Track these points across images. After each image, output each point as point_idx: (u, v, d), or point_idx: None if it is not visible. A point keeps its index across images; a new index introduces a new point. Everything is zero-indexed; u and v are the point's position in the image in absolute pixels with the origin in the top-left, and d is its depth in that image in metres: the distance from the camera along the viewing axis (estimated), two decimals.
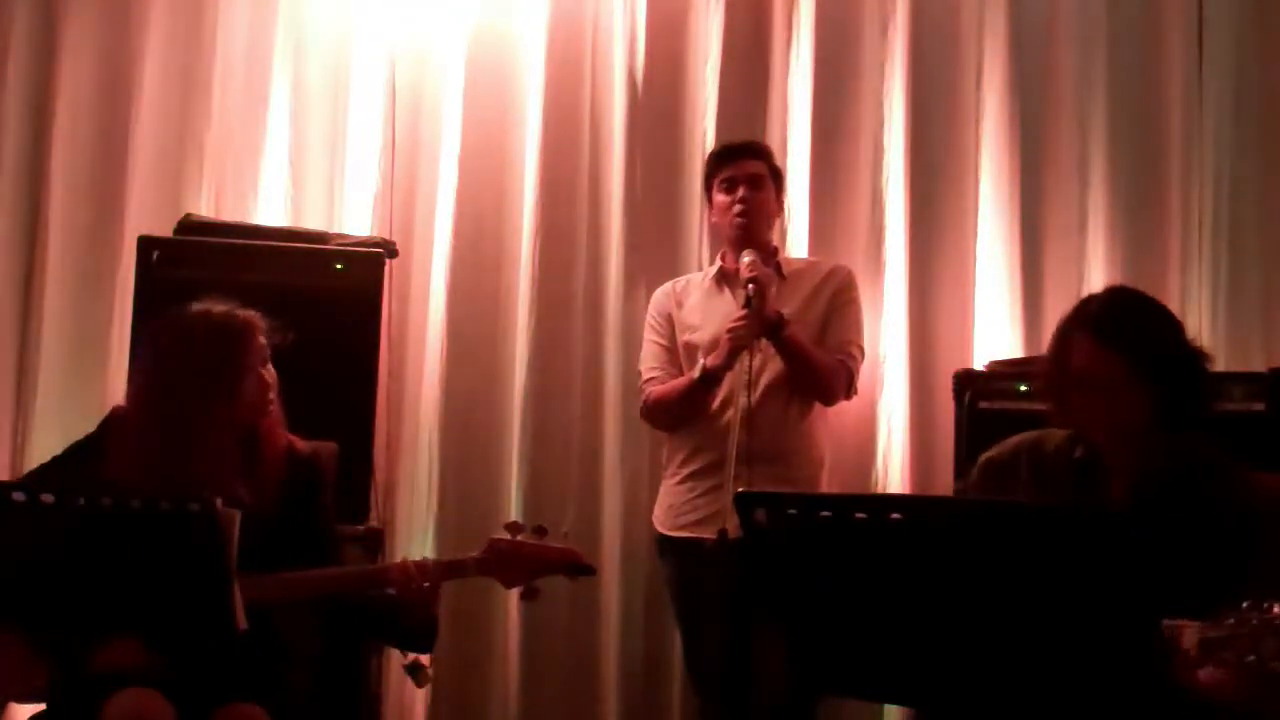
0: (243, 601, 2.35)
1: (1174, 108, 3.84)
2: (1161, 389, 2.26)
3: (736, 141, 3.55)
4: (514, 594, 3.78)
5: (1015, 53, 3.88)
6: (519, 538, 2.65)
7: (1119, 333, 2.29)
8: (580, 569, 2.70)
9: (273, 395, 2.71)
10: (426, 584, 2.62)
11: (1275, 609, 1.74)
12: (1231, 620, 1.78)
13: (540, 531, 2.68)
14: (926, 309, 3.88)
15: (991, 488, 2.40)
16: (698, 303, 3.44)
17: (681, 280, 3.56)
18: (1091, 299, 2.42)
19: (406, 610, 2.65)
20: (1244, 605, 1.77)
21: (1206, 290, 3.76)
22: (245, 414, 2.67)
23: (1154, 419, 2.28)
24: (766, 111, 3.98)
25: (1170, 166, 3.83)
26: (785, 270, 3.41)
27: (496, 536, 2.67)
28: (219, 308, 2.71)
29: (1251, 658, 1.73)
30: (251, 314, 2.70)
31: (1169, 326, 2.34)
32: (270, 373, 2.71)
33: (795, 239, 3.89)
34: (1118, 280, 3.69)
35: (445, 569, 2.66)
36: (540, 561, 2.66)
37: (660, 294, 3.54)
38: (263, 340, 2.69)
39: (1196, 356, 2.32)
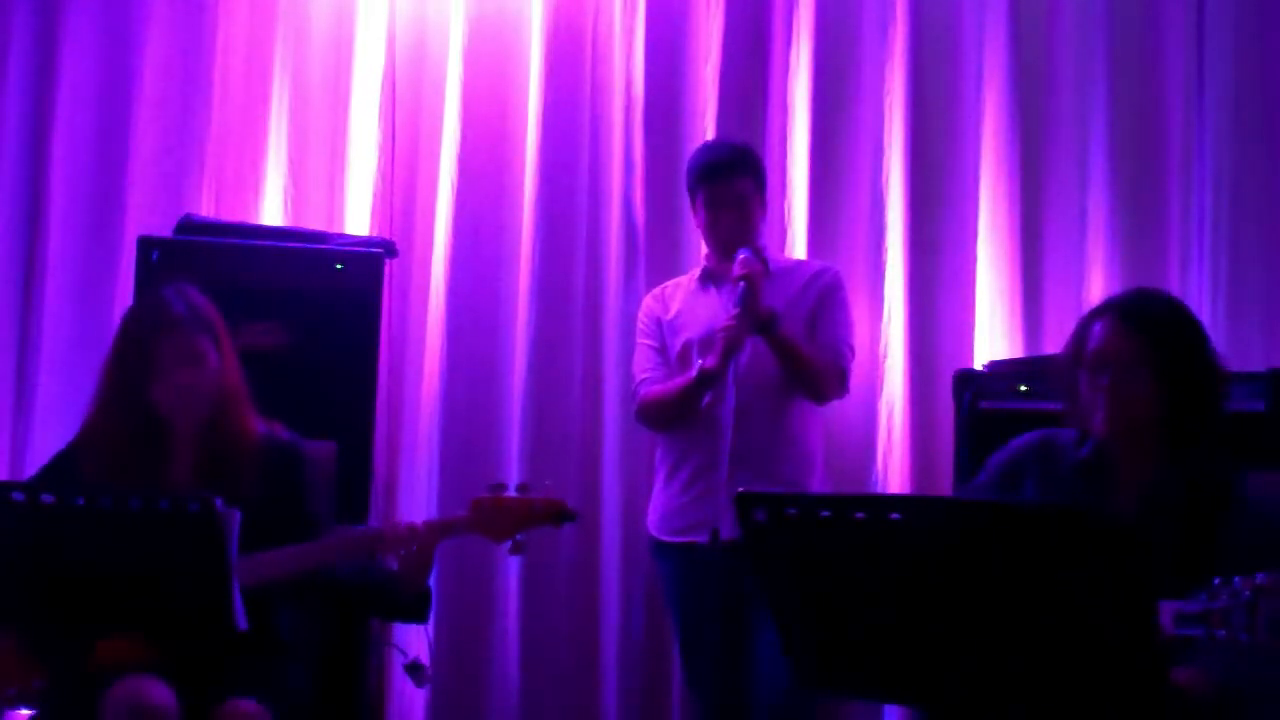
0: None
1: (1174, 108, 3.83)
2: (1174, 389, 2.26)
3: (719, 153, 3.42)
4: (513, 595, 3.85)
5: (1015, 53, 3.87)
6: (501, 495, 2.68)
7: (1143, 320, 2.29)
8: (564, 515, 2.72)
9: (218, 387, 2.68)
10: (416, 547, 2.63)
11: (1244, 585, 1.77)
12: (1202, 598, 1.81)
13: (524, 488, 2.71)
14: (926, 309, 3.87)
15: (999, 487, 2.40)
16: (684, 304, 3.43)
17: (670, 285, 3.54)
18: (1124, 291, 2.43)
19: (400, 580, 2.67)
20: (1215, 583, 1.81)
21: (1206, 290, 3.75)
22: (168, 409, 2.67)
23: (1161, 419, 2.27)
24: (766, 111, 3.98)
25: (1170, 166, 3.82)
26: (772, 268, 3.38)
27: (479, 496, 2.69)
28: (149, 301, 2.71)
29: (1221, 633, 1.77)
30: (172, 311, 2.65)
31: (1196, 335, 2.33)
32: (215, 365, 2.68)
33: (795, 239, 3.89)
34: (1118, 280, 3.70)
35: (436, 529, 2.68)
36: (524, 514, 2.69)
37: (649, 300, 3.54)
38: (188, 335, 2.65)
39: (1217, 373, 2.32)
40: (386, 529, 2.71)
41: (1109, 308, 2.35)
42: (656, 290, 3.56)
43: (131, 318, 2.75)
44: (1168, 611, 1.85)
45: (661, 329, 3.43)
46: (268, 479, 2.68)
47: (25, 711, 2.62)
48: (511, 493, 2.70)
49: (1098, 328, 2.32)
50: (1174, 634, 1.84)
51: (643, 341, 3.47)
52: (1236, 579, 1.79)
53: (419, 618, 2.81)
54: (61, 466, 2.75)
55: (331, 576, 2.69)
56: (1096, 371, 2.29)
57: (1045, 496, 2.33)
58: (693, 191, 3.42)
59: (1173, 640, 1.85)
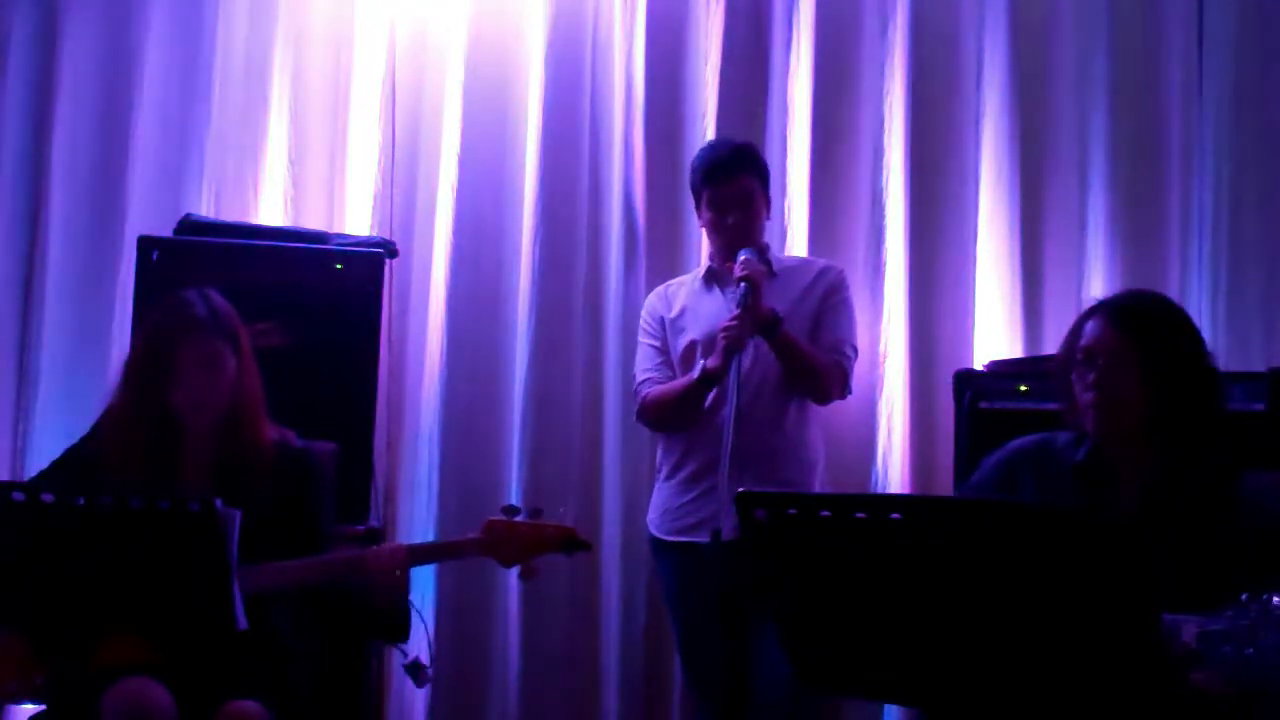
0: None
1: (1174, 108, 3.83)
2: (1162, 388, 2.26)
3: (724, 152, 3.41)
4: (514, 595, 3.85)
5: (1015, 53, 3.87)
6: (515, 519, 2.68)
7: (1131, 318, 2.30)
8: (576, 545, 2.72)
9: (235, 392, 2.69)
10: (398, 570, 2.63)
11: (1273, 601, 1.75)
12: (1230, 614, 1.79)
13: (536, 513, 2.71)
14: (926, 309, 3.88)
15: (996, 489, 2.40)
16: (688, 303, 3.43)
17: (674, 283, 3.54)
18: (1120, 292, 2.44)
19: (377, 597, 2.66)
20: (1242, 599, 1.79)
21: (1206, 290, 3.75)
22: (185, 412, 2.68)
23: (1154, 419, 2.27)
24: (766, 111, 3.98)
25: (1170, 166, 3.83)
26: (776, 268, 3.39)
27: (493, 518, 2.69)
28: (172, 303, 2.71)
29: (1250, 650, 1.75)
30: (195, 314, 2.66)
31: (1186, 335, 2.33)
32: (234, 370, 2.69)
33: (795, 239, 3.89)
34: (1118, 280, 3.70)
35: (434, 551, 2.67)
36: (537, 540, 2.69)
37: (652, 297, 3.54)
38: (209, 339, 2.66)
39: (1209, 374, 2.32)
40: (370, 553, 2.68)
41: (1100, 306, 2.36)
42: (660, 288, 3.55)
43: (153, 318, 2.75)
44: (1190, 627, 1.84)
45: (665, 328, 3.43)
46: (278, 487, 2.68)
47: (29, 707, 2.62)
48: (524, 517, 2.70)
49: (1089, 326, 2.34)
50: (1196, 650, 1.81)
51: (645, 341, 3.46)
52: (1265, 595, 1.77)
53: (396, 637, 2.78)
54: (73, 462, 2.75)
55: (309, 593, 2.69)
56: (1085, 368, 2.30)
57: (1043, 499, 2.33)
58: (697, 191, 3.42)
59: (1193, 654, 1.82)
